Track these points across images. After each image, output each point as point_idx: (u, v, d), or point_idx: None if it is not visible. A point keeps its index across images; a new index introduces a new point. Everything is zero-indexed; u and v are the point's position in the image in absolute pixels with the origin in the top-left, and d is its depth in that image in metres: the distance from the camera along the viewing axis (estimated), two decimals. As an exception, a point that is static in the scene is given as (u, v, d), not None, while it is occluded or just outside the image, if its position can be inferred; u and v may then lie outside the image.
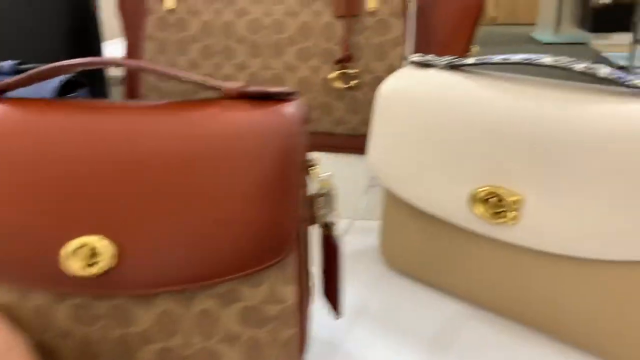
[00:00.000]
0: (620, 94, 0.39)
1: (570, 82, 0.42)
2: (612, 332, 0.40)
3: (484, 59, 0.45)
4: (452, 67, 0.48)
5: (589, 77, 0.40)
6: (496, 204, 0.42)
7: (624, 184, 0.37)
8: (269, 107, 0.34)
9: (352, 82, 0.60)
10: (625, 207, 0.37)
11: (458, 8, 0.59)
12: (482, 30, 0.62)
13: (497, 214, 0.42)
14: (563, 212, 0.39)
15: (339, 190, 0.65)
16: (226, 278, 0.31)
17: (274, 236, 0.32)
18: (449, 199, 0.45)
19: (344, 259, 0.57)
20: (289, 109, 0.34)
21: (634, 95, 0.39)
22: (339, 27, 0.59)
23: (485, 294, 0.47)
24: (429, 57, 0.49)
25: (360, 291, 0.52)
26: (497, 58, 0.43)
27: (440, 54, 0.59)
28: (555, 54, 0.42)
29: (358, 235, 0.61)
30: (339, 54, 0.59)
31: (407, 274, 0.53)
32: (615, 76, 0.39)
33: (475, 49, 0.62)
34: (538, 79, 0.44)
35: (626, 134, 0.37)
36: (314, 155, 0.36)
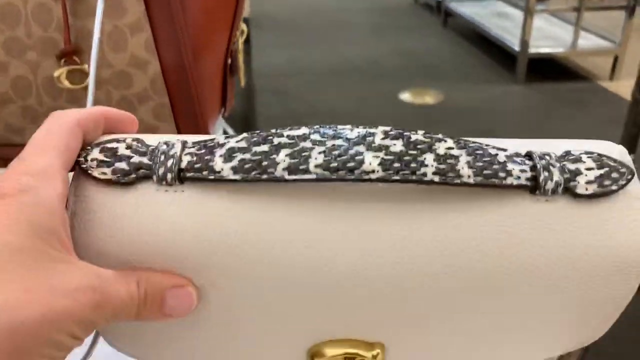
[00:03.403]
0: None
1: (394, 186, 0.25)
2: None
3: (248, 166, 0.23)
4: (187, 179, 0.23)
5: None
6: None
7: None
8: None
9: (86, 81, 0.47)
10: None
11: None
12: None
13: None
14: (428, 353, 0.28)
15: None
16: None
17: None
18: None
19: None
20: None
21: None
22: (57, 9, 0.45)
23: None
24: (125, 149, 0.24)
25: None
26: (280, 168, 0.23)
27: (196, 44, 0.47)
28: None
29: None
30: (62, 45, 0.46)
31: None
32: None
33: (242, 27, 0.51)
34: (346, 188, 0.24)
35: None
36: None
